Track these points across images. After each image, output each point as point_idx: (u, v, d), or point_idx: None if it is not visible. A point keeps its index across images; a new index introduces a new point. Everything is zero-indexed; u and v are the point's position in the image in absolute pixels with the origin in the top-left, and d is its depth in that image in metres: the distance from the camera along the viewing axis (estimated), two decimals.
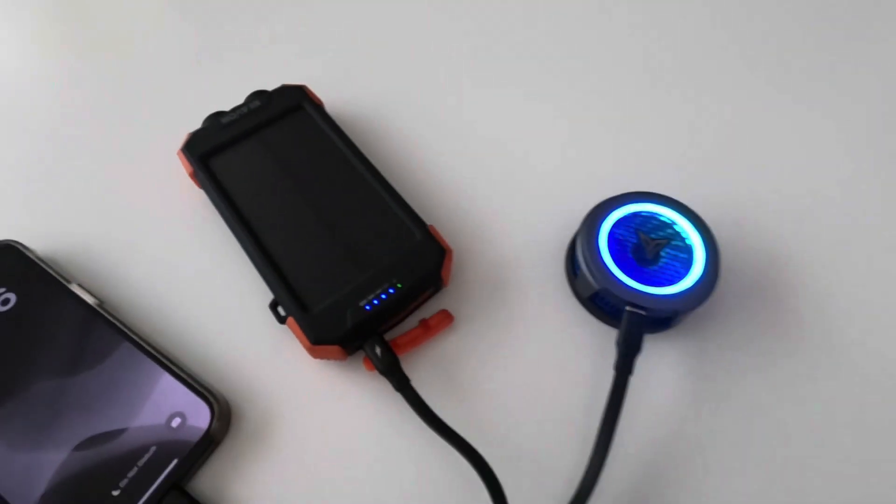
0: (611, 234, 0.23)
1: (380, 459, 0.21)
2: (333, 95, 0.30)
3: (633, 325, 0.21)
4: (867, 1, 0.34)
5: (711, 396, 0.22)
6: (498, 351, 0.23)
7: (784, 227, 0.26)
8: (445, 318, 0.24)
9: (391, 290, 0.22)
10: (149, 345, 0.22)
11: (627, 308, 0.21)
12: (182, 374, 0.22)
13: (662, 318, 0.22)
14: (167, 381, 0.22)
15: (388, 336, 0.24)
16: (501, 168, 0.28)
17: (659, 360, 0.23)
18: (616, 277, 0.22)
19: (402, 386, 0.21)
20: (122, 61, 0.32)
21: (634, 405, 0.22)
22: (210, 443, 0.21)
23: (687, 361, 0.23)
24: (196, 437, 0.21)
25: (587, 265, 0.22)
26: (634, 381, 0.23)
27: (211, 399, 0.21)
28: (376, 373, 0.23)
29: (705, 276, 0.22)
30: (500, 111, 0.30)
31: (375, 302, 0.22)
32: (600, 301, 0.23)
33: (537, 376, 0.23)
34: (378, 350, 0.22)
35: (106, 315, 0.23)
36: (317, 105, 0.28)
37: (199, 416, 0.21)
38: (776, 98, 0.30)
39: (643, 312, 0.21)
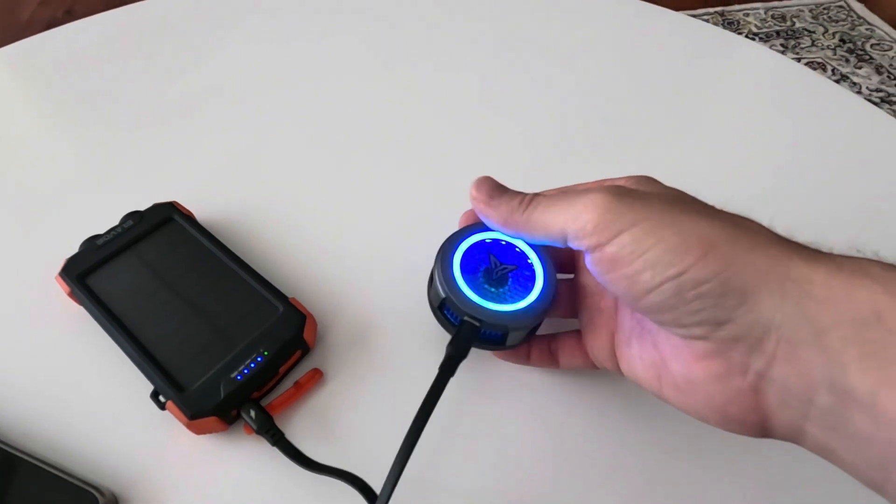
0: (467, 253, 0.25)
1: None
2: (203, 207, 0.34)
3: (465, 332, 0.23)
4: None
5: (520, 414, 0.27)
6: (362, 394, 0.27)
7: None
8: (315, 376, 0.27)
9: (259, 359, 0.26)
10: (31, 455, 0.24)
11: (464, 318, 0.24)
12: (63, 475, 0.23)
13: (497, 336, 0.25)
14: (52, 480, 0.23)
15: (265, 401, 0.26)
16: (353, 236, 0.33)
17: (484, 372, 0.28)
18: (459, 288, 0.24)
19: (277, 440, 0.24)
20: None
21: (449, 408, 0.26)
22: None
23: (510, 377, 0.28)
24: None
25: (438, 275, 0.24)
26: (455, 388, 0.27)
27: (96, 493, 0.23)
28: (255, 434, 0.25)
29: (537, 302, 0.24)
30: (340, 195, 0.35)
31: (245, 371, 0.25)
32: (447, 312, 0.25)
33: (391, 403, 0.26)
34: (252, 413, 0.25)
35: None
36: (187, 216, 0.32)
37: None
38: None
39: (477, 324, 0.23)
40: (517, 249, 0.25)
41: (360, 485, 0.23)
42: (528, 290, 0.24)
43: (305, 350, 0.28)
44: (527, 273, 0.25)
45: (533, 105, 0.42)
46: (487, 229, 0.25)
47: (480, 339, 0.24)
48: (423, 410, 0.22)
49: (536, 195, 0.23)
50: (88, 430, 0.26)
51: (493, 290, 0.24)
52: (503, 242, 0.25)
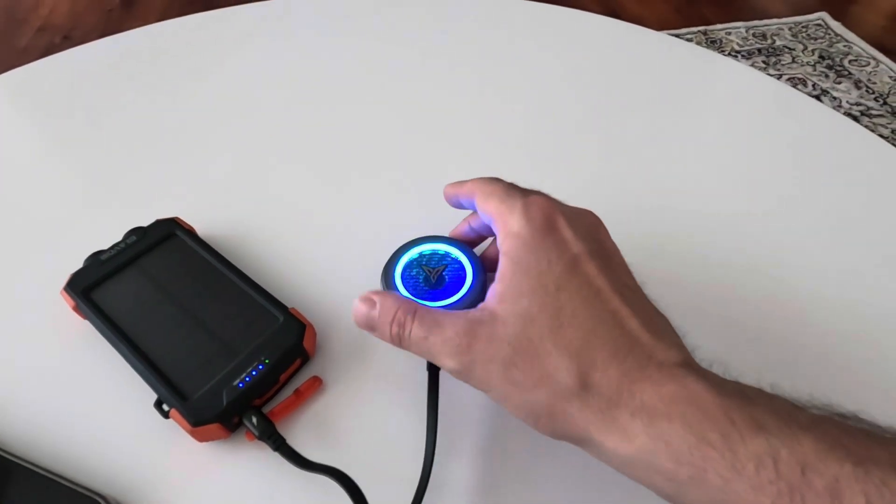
0: (404, 274, 0.29)
1: None
2: (204, 222, 0.35)
3: None
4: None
5: None
6: (361, 400, 0.28)
7: None
8: (314, 383, 0.28)
9: (260, 367, 0.26)
10: (36, 465, 0.24)
11: None
12: (68, 483, 0.24)
13: None
14: (57, 489, 0.24)
15: (266, 408, 0.27)
16: (350, 248, 0.34)
17: None
18: (408, 300, 0.27)
19: (279, 445, 0.25)
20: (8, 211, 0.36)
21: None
22: None
23: None
24: None
25: None
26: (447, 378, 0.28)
27: (100, 500, 0.23)
28: (257, 441, 0.26)
29: (474, 284, 0.28)
30: (338, 209, 0.37)
31: (247, 379, 0.26)
32: None
33: (390, 409, 0.27)
34: (254, 419, 0.25)
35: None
36: (189, 231, 0.33)
37: None
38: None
39: None
40: (441, 252, 0.30)
41: (347, 483, 0.23)
42: (464, 278, 0.28)
43: (305, 358, 0.29)
44: (456, 267, 0.29)
45: (518, 122, 0.44)
46: (411, 248, 0.29)
47: None
48: (431, 405, 0.26)
49: (412, 320, 0.24)
50: (93, 438, 0.26)
51: (437, 290, 0.28)
52: (427, 252, 0.30)
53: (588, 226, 0.24)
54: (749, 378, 0.21)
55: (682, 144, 0.43)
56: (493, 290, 0.23)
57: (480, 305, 0.23)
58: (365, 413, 0.28)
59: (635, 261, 0.25)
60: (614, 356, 0.20)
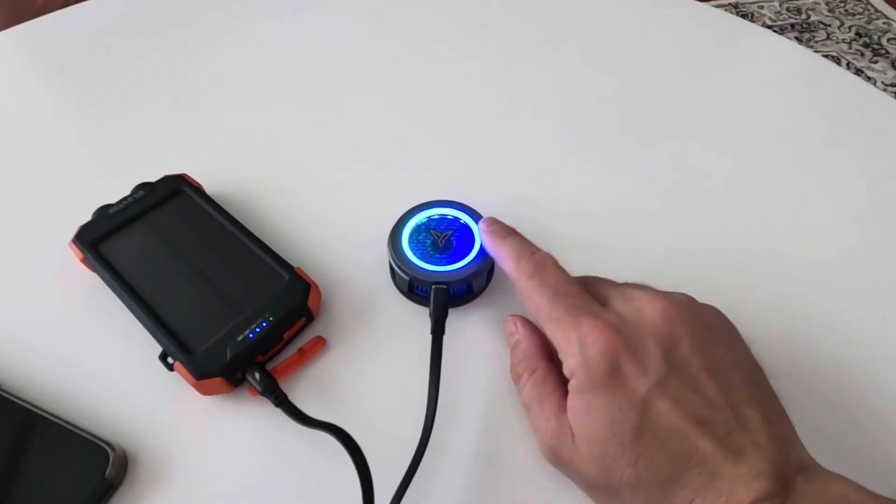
0: (411, 238, 0.29)
1: (269, 466, 0.24)
2: (212, 179, 0.35)
3: (439, 296, 0.27)
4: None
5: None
6: (364, 362, 0.28)
7: (548, 220, 0.33)
8: (318, 343, 0.28)
9: (264, 324, 0.26)
10: (47, 412, 0.25)
11: (434, 286, 0.27)
12: (76, 430, 0.24)
13: (464, 289, 0.29)
14: (66, 434, 0.24)
15: (269, 365, 0.27)
16: (358, 209, 0.34)
17: (466, 325, 0.29)
18: (419, 266, 0.28)
19: (280, 401, 0.25)
20: (18, 162, 0.36)
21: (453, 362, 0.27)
22: (108, 488, 0.23)
23: (488, 324, 0.29)
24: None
25: (397, 265, 0.28)
26: (450, 343, 0.27)
27: (107, 448, 0.24)
28: (260, 396, 0.26)
29: (483, 249, 0.28)
30: (346, 169, 0.36)
31: (251, 335, 0.26)
32: (418, 290, 0.29)
33: (392, 371, 0.27)
34: (257, 375, 0.25)
35: (6, 394, 0.25)
36: (196, 188, 0.32)
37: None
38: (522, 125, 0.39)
39: (444, 286, 0.27)
40: (449, 217, 0.30)
41: (347, 440, 0.23)
42: (472, 243, 0.29)
43: (310, 318, 0.28)
44: (464, 232, 0.29)
45: (544, 95, 0.43)
46: (419, 211, 0.30)
47: (452, 297, 0.28)
48: (434, 372, 0.25)
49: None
50: (99, 388, 0.27)
51: (444, 256, 0.28)
52: (436, 217, 0.30)
53: (660, 340, 0.21)
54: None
55: (716, 116, 0.41)
56: (572, 403, 0.22)
57: (569, 407, 0.22)
58: (367, 374, 0.27)
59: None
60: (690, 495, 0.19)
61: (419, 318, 0.29)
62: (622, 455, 0.20)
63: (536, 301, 0.24)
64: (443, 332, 0.26)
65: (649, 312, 0.22)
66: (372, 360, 0.28)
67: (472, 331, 0.29)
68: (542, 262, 0.24)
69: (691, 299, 0.23)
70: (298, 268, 0.29)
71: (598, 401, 0.21)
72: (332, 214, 0.34)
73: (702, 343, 0.21)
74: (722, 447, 0.19)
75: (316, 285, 0.29)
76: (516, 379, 0.25)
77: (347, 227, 0.33)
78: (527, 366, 0.25)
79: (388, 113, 0.41)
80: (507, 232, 0.27)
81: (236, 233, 0.30)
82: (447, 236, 0.29)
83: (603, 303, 0.23)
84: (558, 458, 0.22)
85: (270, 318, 0.27)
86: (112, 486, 0.23)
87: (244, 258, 0.29)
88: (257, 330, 0.26)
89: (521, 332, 0.26)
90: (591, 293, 0.24)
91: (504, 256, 0.26)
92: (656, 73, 0.44)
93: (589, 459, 0.21)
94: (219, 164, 0.36)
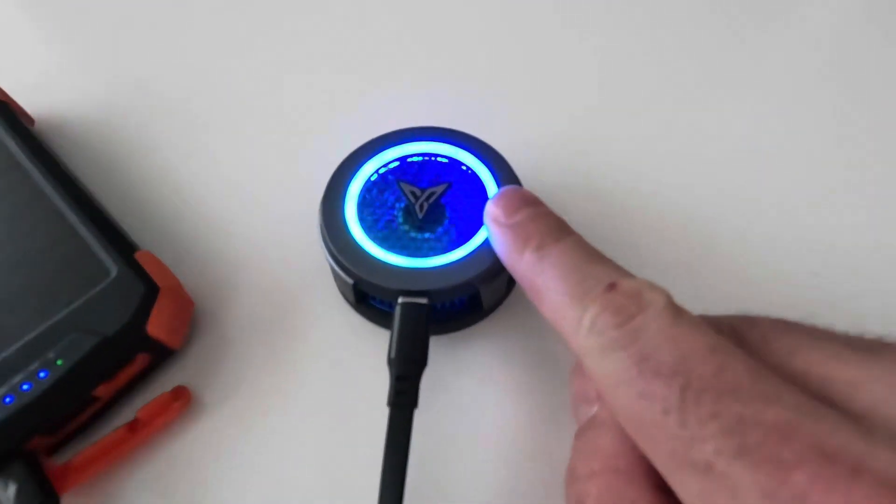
0: (363, 200, 0.15)
1: None
2: (50, 102, 0.21)
3: (410, 324, 0.13)
4: None
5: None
6: (266, 435, 0.14)
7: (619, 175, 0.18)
8: (173, 403, 0.14)
9: (42, 374, 0.13)
10: None
11: (400, 301, 0.14)
12: None
13: (462, 302, 0.15)
14: None
15: (60, 455, 0.14)
16: (274, 166, 0.19)
17: (464, 372, 0.15)
18: (375, 258, 0.14)
19: None
20: None
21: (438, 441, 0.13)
22: None
23: (512, 366, 0.15)
24: None
25: (333, 252, 0.14)
26: (428, 414, 0.14)
27: None
28: None
29: None
30: (257, 95, 0.21)
31: (7, 400, 0.12)
32: (374, 301, 0.15)
33: (325, 455, 0.14)
34: (15, 483, 0.12)
35: None
36: (19, 124, 0.18)
37: None
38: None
39: (423, 301, 0.13)
40: (440, 160, 0.16)
41: None
42: (481, 211, 0.14)
43: (160, 352, 0.15)
44: (468, 190, 0.15)
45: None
46: (379, 149, 0.16)
47: (437, 320, 0.15)
48: (392, 470, 0.12)
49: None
50: None
51: (427, 235, 0.15)
52: (415, 160, 0.16)
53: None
54: None
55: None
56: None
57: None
58: (269, 461, 0.14)
59: None
60: None
61: (378, 346, 0.15)
62: None
63: (638, 411, 0.09)
64: (414, 404, 0.13)
65: None
66: (282, 432, 0.14)
67: (475, 386, 0.15)
68: (636, 297, 0.10)
69: None
70: (143, 253, 0.15)
71: None
72: (234, 168, 0.19)
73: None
74: None
75: (176, 289, 0.15)
76: (580, 499, 0.11)
77: (259, 180, 0.19)
78: (609, 487, 0.11)
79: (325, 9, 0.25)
80: (531, 209, 0.13)
81: (53, 193, 0.16)
82: (433, 197, 0.15)
83: (813, 390, 0.09)
84: None
85: (59, 363, 0.13)
86: None
87: (52, 235, 0.15)
88: (24, 388, 0.12)
89: (604, 414, 0.12)
90: (765, 360, 0.09)
91: (549, 282, 0.12)
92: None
93: None
94: (66, 79, 0.22)
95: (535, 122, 0.20)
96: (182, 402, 0.14)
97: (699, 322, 0.09)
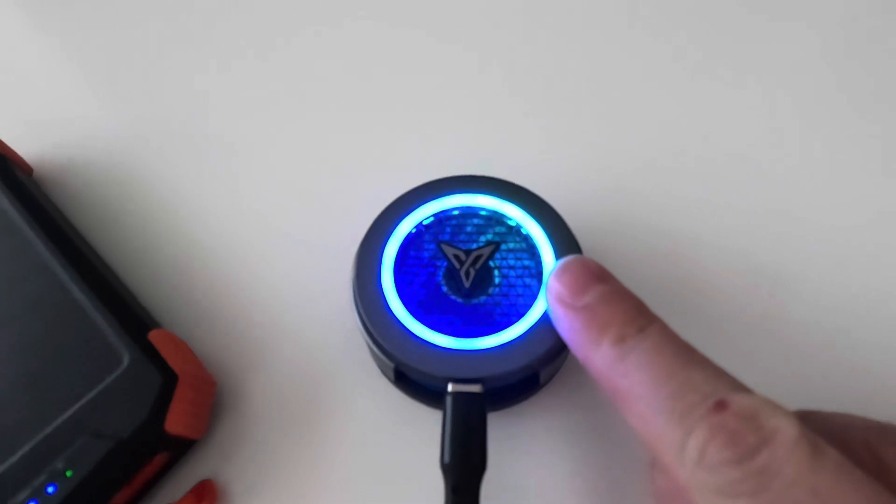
0: (400, 262, 0.13)
1: None
2: (50, 155, 0.19)
3: (465, 418, 0.12)
4: None
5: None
6: None
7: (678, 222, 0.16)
8: (201, 496, 0.13)
9: (49, 489, 0.11)
10: None
11: (451, 389, 0.12)
12: None
13: (519, 381, 0.13)
14: None
15: None
16: (302, 220, 0.17)
17: (523, 451, 0.13)
18: (418, 337, 0.12)
19: None
20: None
21: None
22: None
23: (575, 439, 0.13)
24: None
25: (372, 333, 0.13)
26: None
27: None
28: None
29: None
30: (285, 157, 0.19)
31: None
32: (417, 384, 0.14)
33: None
34: None
35: None
36: (16, 178, 0.17)
37: None
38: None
39: (477, 389, 0.12)
40: (487, 214, 0.14)
41: None
42: (537, 274, 0.13)
43: (180, 447, 0.13)
44: (517, 245, 0.14)
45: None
46: (420, 203, 0.14)
47: (494, 402, 0.14)
48: None
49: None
50: None
51: (474, 304, 0.13)
52: (456, 211, 0.14)
53: None
54: None
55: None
56: None
57: None
58: None
59: None
60: None
61: (424, 429, 0.14)
62: None
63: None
64: (480, 478, 0.11)
65: None
66: None
67: (533, 467, 0.13)
68: (754, 420, 0.08)
69: None
70: (158, 332, 0.13)
71: None
72: (258, 218, 0.17)
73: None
74: None
75: (196, 373, 0.13)
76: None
77: (285, 242, 0.17)
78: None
79: (371, 42, 0.23)
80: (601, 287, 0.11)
81: (53, 262, 0.15)
82: (481, 261, 0.13)
83: None
84: None
85: (69, 473, 0.11)
86: None
87: (55, 315, 0.14)
88: (31, 503, 0.11)
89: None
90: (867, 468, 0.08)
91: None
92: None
93: None
94: (70, 130, 0.20)
95: (577, 167, 0.18)
96: (208, 502, 0.13)
97: (844, 465, 0.08)
